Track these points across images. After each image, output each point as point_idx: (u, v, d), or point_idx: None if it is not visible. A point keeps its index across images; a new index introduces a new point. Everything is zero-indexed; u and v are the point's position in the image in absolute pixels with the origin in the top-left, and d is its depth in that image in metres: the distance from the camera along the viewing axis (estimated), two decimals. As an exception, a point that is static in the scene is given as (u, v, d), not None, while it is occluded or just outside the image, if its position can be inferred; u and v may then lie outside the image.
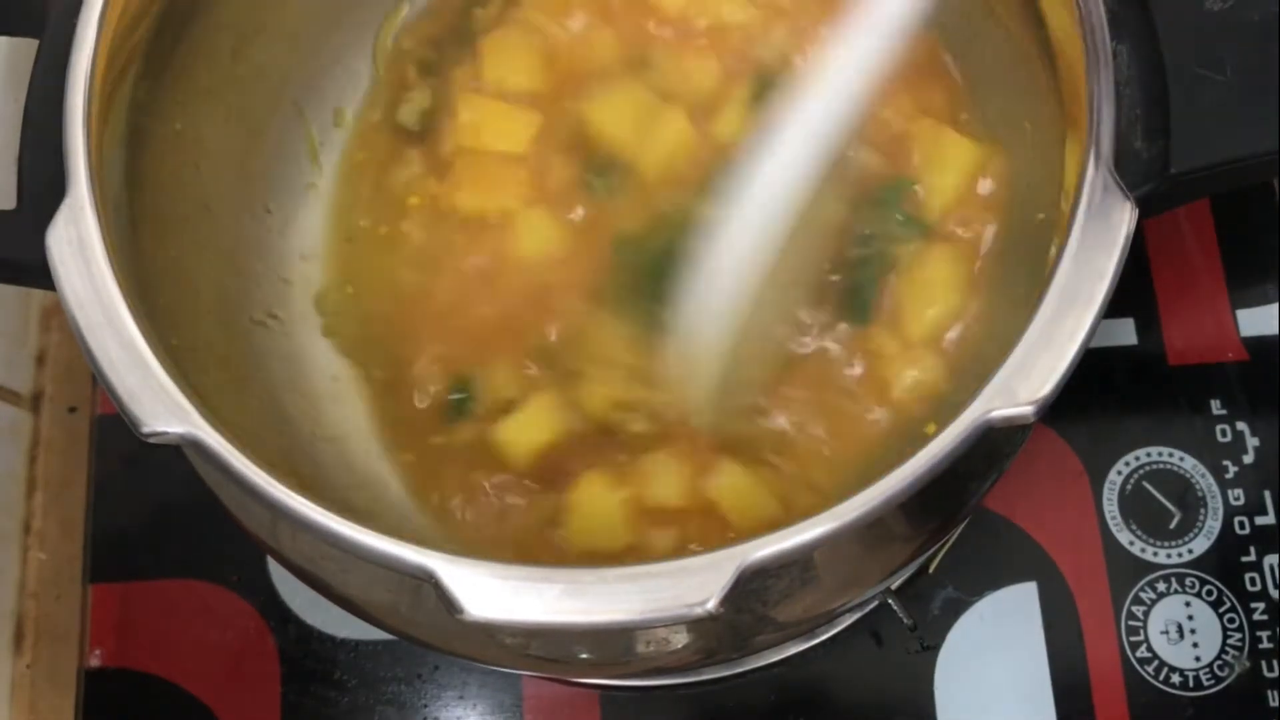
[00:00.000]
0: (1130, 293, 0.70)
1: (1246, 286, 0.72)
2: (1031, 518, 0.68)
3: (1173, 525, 0.68)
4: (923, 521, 0.51)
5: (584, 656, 0.51)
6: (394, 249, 0.63)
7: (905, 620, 0.65)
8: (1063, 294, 0.44)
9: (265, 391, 0.59)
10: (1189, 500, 0.68)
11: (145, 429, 0.44)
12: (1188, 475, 0.68)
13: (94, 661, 0.68)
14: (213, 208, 0.59)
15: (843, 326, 0.59)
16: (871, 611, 0.66)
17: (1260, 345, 0.70)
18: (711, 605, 0.40)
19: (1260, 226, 0.73)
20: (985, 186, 0.60)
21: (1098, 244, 0.45)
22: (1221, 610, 0.66)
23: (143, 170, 0.52)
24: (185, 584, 0.68)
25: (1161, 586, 0.67)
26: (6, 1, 0.52)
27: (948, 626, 0.66)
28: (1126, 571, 0.67)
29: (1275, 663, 0.65)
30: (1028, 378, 0.43)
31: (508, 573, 0.41)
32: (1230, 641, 0.66)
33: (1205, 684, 0.65)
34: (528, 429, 0.58)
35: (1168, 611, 0.66)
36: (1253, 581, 0.67)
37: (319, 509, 0.43)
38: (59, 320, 0.74)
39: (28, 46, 0.52)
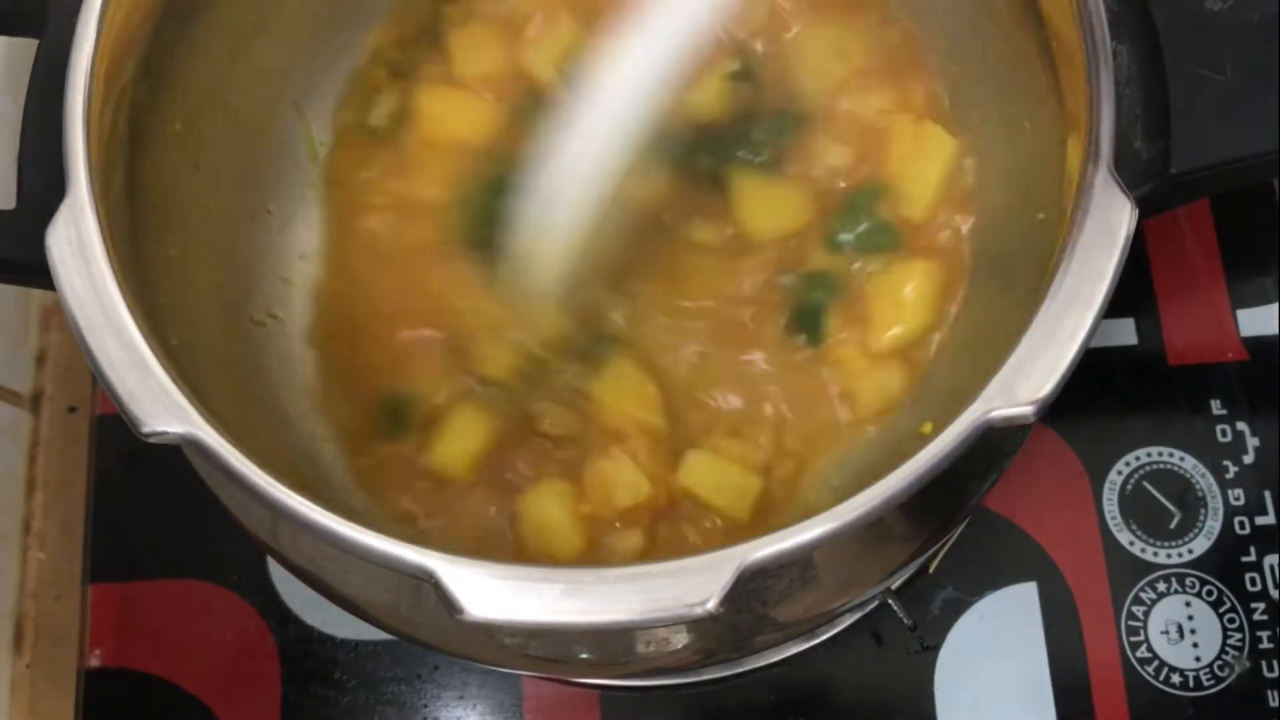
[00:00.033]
0: (1130, 293, 0.70)
1: (1246, 286, 0.72)
2: (1031, 518, 0.68)
3: (1173, 525, 0.68)
4: (923, 521, 0.51)
5: (584, 656, 0.51)
6: (359, 250, 0.63)
7: (905, 620, 0.65)
8: (1063, 294, 0.44)
9: (265, 391, 0.59)
10: (1189, 500, 0.68)
11: (145, 429, 0.44)
12: (1188, 475, 0.68)
13: (94, 661, 0.68)
14: (212, 208, 0.59)
15: (800, 341, 0.59)
16: (871, 611, 0.66)
17: (1260, 345, 0.70)
18: (711, 605, 0.40)
19: (1260, 226, 0.73)
20: (966, 183, 0.60)
21: (1098, 244, 0.45)
22: (1222, 610, 0.66)
23: (143, 170, 0.52)
24: (185, 584, 0.68)
25: (1161, 586, 0.67)
26: (6, 1, 0.52)
27: (948, 626, 0.66)
28: (1126, 571, 0.67)
29: (1275, 663, 0.65)
30: (1028, 378, 0.43)
31: (508, 573, 0.41)
32: (1230, 642, 0.66)
33: (1205, 684, 0.65)
34: (457, 442, 0.58)
35: (1168, 611, 0.66)
36: (1253, 581, 0.67)
37: (319, 509, 0.43)
38: (59, 320, 0.74)
39: (28, 46, 0.52)
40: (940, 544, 0.63)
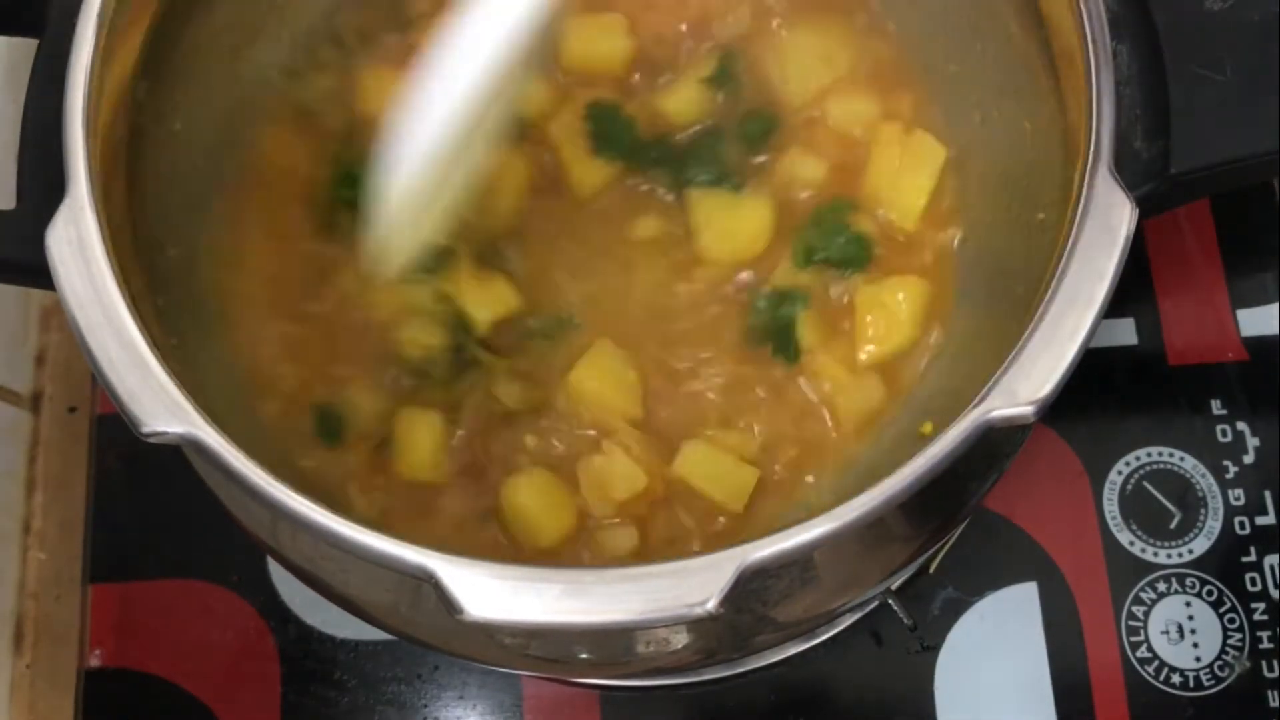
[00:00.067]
0: (1130, 293, 0.70)
1: (1246, 286, 0.72)
2: (1031, 518, 0.68)
3: (1173, 525, 0.68)
4: (923, 521, 0.51)
5: (584, 656, 0.51)
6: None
7: (905, 620, 0.65)
8: (1063, 294, 0.44)
9: (264, 391, 0.58)
10: (1189, 500, 0.68)
11: (145, 429, 0.44)
12: (1188, 475, 0.68)
13: (94, 661, 0.68)
14: (212, 207, 0.59)
15: (776, 358, 0.59)
16: (871, 611, 0.66)
17: (1260, 345, 0.70)
18: (711, 605, 0.40)
19: (1260, 226, 0.73)
20: (959, 191, 0.60)
21: (1098, 244, 0.45)
22: (1222, 610, 0.66)
23: (143, 170, 0.52)
24: (185, 584, 0.68)
25: (1162, 586, 0.67)
26: (6, 1, 0.52)
27: (948, 626, 0.66)
28: (1127, 571, 0.67)
29: (1275, 663, 0.65)
30: (1028, 378, 0.43)
31: (507, 573, 0.41)
32: (1230, 642, 0.66)
33: (1205, 684, 0.65)
34: (414, 448, 0.57)
35: (1168, 611, 0.66)
36: (1253, 581, 0.67)
37: (319, 509, 0.43)
38: (59, 320, 0.74)
39: (28, 46, 0.52)
40: (940, 544, 0.63)
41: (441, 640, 0.51)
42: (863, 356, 0.59)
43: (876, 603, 0.65)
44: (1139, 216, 0.46)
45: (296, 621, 0.67)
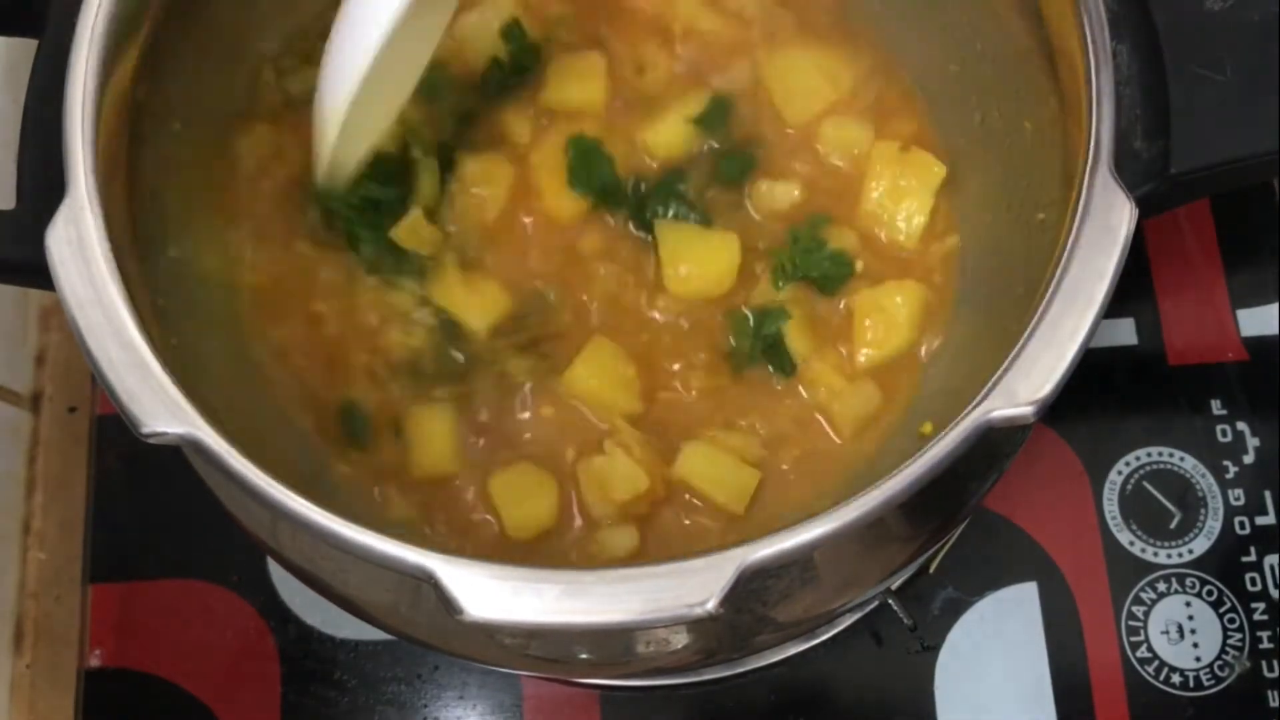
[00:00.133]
0: (1130, 293, 0.70)
1: (1246, 286, 0.72)
2: (1031, 518, 0.68)
3: (1173, 525, 0.68)
4: (923, 522, 0.51)
5: (584, 656, 0.51)
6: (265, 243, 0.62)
7: (905, 620, 0.65)
8: (1063, 294, 0.44)
9: (264, 391, 0.58)
10: (1189, 500, 0.68)
11: (145, 429, 0.44)
12: (1188, 475, 0.68)
13: (94, 661, 0.68)
14: (211, 205, 0.59)
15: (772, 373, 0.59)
16: (871, 611, 0.66)
17: (1260, 345, 0.70)
18: (711, 605, 0.40)
19: (1260, 226, 0.73)
20: (956, 203, 0.60)
21: (1098, 244, 0.45)
22: (1222, 610, 0.66)
23: (143, 171, 0.52)
24: (185, 584, 0.68)
25: (1162, 586, 0.67)
26: (6, 1, 0.52)
27: (948, 626, 0.66)
28: (1126, 571, 0.67)
29: (1275, 663, 0.65)
30: (1028, 378, 0.43)
31: (507, 573, 0.41)
32: (1230, 641, 0.66)
33: (1205, 684, 0.65)
34: (428, 444, 0.58)
35: (1168, 611, 0.66)
36: (1253, 581, 0.67)
37: (319, 509, 0.43)
38: (59, 320, 0.74)
39: (28, 46, 0.52)
40: (940, 544, 0.63)
41: (441, 640, 0.51)
42: (861, 360, 0.59)
43: (876, 603, 0.65)
44: (1139, 216, 0.46)
45: (296, 621, 0.67)
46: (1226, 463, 0.68)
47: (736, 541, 0.41)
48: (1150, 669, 0.65)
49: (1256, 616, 0.66)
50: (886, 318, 0.59)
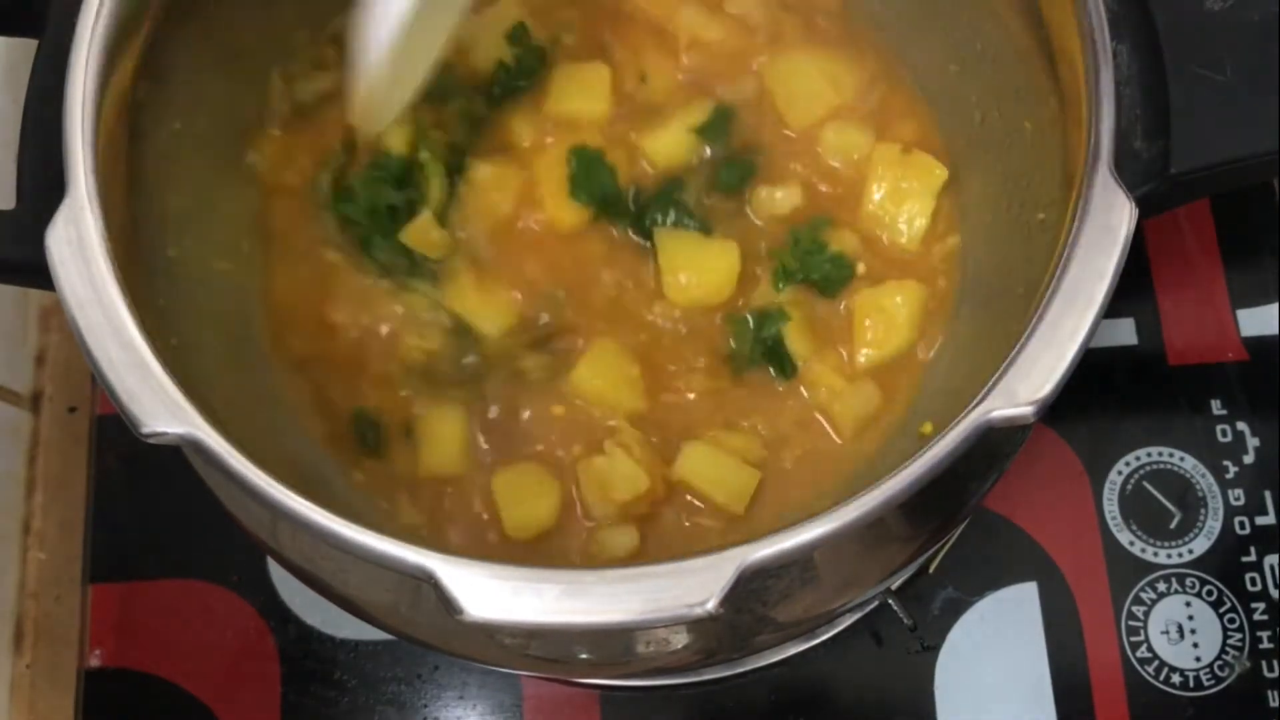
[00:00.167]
0: (1130, 293, 0.70)
1: (1246, 286, 0.72)
2: (1031, 518, 0.68)
3: (1173, 525, 0.68)
4: (923, 522, 0.51)
5: (584, 656, 0.51)
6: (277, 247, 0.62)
7: (905, 620, 0.65)
8: (1063, 294, 0.44)
9: (264, 392, 0.58)
10: (1189, 500, 0.68)
11: (145, 429, 0.44)
12: (1188, 475, 0.68)
13: (94, 661, 0.68)
14: (211, 206, 0.59)
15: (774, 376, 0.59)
16: (871, 611, 0.66)
17: (1260, 345, 0.70)
18: (711, 605, 0.40)
19: (1260, 226, 0.73)
20: (958, 203, 0.60)
21: (1098, 244, 0.45)
22: (1222, 610, 0.66)
23: (143, 170, 0.52)
24: (185, 584, 0.68)
25: (1162, 586, 0.67)
26: (6, 1, 0.52)
27: (948, 626, 0.66)
28: (1127, 571, 0.67)
29: (1275, 663, 0.65)
30: (1028, 378, 0.43)
31: (507, 573, 0.41)
32: (1230, 641, 0.66)
33: (1205, 684, 0.65)
34: (439, 445, 0.58)
35: (1168, 611, 0.66)
36: (1253, 581, 0.67)
37: (319, 509, 0.43)
38: (58, 320, 0.74)
39: (28, 46, 0.52)
40: (940, 544, 0.63)
41: (441, 640, 0.51)
42: (861, 360, 0.59)
43: (876, 603, 0.65)
44: (1139, 216, 0.46)
45: (296, 621, 0.67)
46: (1226, 463, 0.68)
47: (736, 541, 0.41)
48: (1150, 669, 0.65)
49: (1256, 616, 0.66)
50: (886, 318, 0.59)
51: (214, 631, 0.68)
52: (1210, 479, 0.68)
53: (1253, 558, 0.67)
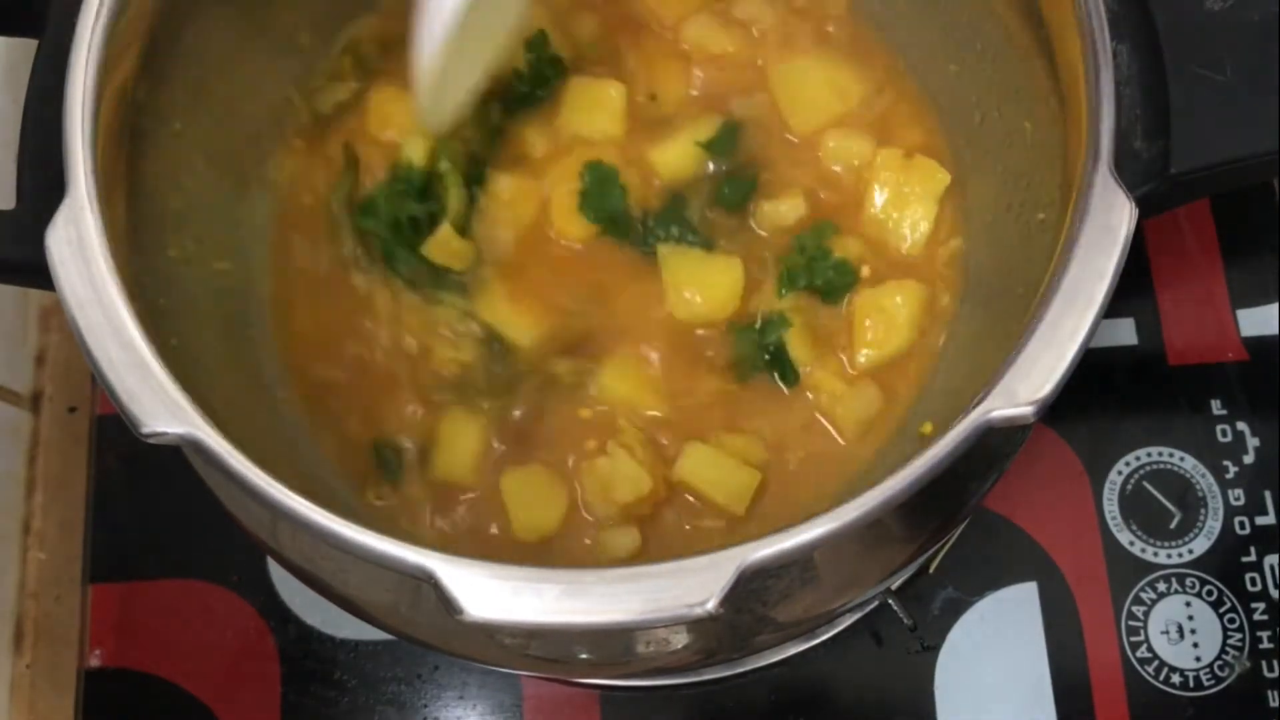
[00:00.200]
0: (1130, 293, 0.70)
1: (1246, 286, 0.72)
2: (1031, 518, 0.68)
3: (1173, 525, 0.68)
4: (923, 522, 0.51)
5: (584, 656, 0.51)
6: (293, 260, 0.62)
7: (905, 620, 0.65)
8: (1063, 294, 0.44)
9: (265, 393, 0.58)
10: (1189, 500, 0.68)
11: (145, 429, 0.44)
12: (1188, 475, 0.68)
13: (94, 661, 0.68)
14: (212, 207, 0.59)
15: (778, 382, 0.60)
16: (871, 611, 0.66)
17: (1260, 345, 0.70)
18: (711, 605, 0.40)
19: (1260, 226, 0.73)
20: (960, 207, 0.60)
21: (1098, 244, 0.45)
22: (1222, 610, 0.66)
23: (143, 170, 0.52)
24: (185, 584, 0.68)
25: (1162, 586, 0.67)
26: (6, 1, 0.52)
27: (948, 626, 0.66)
28: (1126, 571, 0.67)
29: (1275, 663, 0.65)
30: (1028, 378, 0.43)
31: (507, 573, 0.41)
32: (1230, 641, 0.66)
33: (1205, 684, 0.65)
34: (453, 455, 0.58)
35: (1168, 611, 0.66)
36: (1253, 581, 0.67)
37: (319, 509, 0.43)
38: (58, 320, 0.74)
39: (28, 46, 0.52)
40: (940, 544, 0.63)
41: (441, 640, 0.51)
42: (862, 360, 0.59)
43: (876, 603, 0.65)
44: (1139, 216, 0.46)
45: (296, 621, 0.67)
46: (1226, 463, 0.68)
47: (737, 541, 0.41)
48: (1150, 669, 0.65)
49: (1256, 616, 0.66)
50: (886, 318, 0.59)
51: (214, 631, 0.68)
52: (1210, 479, 0.68)
53: (1253, 558, 0.67)
